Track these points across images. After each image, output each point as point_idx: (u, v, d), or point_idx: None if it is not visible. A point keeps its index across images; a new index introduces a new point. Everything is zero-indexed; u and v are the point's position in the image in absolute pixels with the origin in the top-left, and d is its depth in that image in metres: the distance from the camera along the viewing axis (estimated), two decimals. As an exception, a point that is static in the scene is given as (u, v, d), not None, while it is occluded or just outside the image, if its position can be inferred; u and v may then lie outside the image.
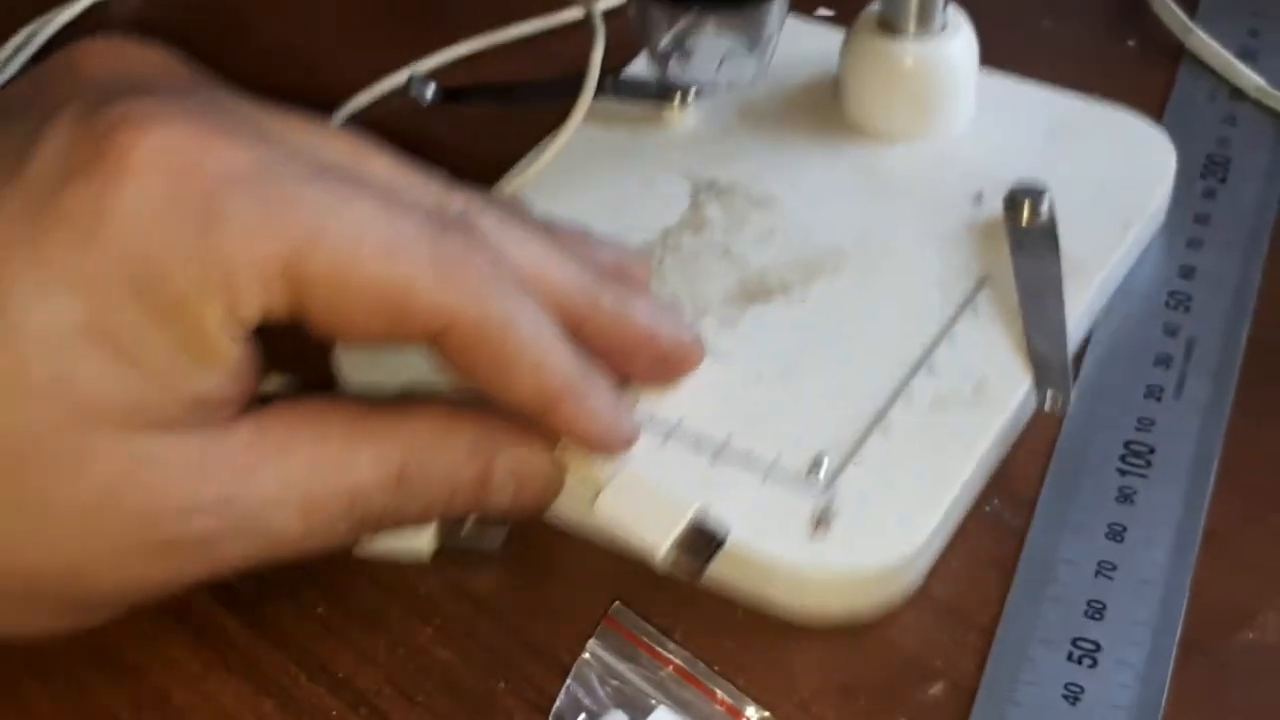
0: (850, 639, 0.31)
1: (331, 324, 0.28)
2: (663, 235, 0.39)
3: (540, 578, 0.33)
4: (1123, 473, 0.34)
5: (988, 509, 0.34)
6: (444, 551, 0.33)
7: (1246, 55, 0.45)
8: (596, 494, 0.32)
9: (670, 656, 0.30)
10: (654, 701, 0.29)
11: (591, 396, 0.31)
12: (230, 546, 0.29)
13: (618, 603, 0.31)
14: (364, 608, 0.32)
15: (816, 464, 0.33)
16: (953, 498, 0.32)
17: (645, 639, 0.31)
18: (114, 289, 0.26)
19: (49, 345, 0.26)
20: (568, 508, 0.33)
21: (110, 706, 0.31)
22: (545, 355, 0.30)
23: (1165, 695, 0.29)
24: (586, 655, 0.30)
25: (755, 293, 0.37)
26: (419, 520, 0.31)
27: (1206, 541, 0.32)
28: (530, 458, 0.32)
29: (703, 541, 0.31)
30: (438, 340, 0.29)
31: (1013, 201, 0.38)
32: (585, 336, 0.31)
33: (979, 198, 0.39)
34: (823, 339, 0.36)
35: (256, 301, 0.27)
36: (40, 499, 0.27)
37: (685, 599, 0.32)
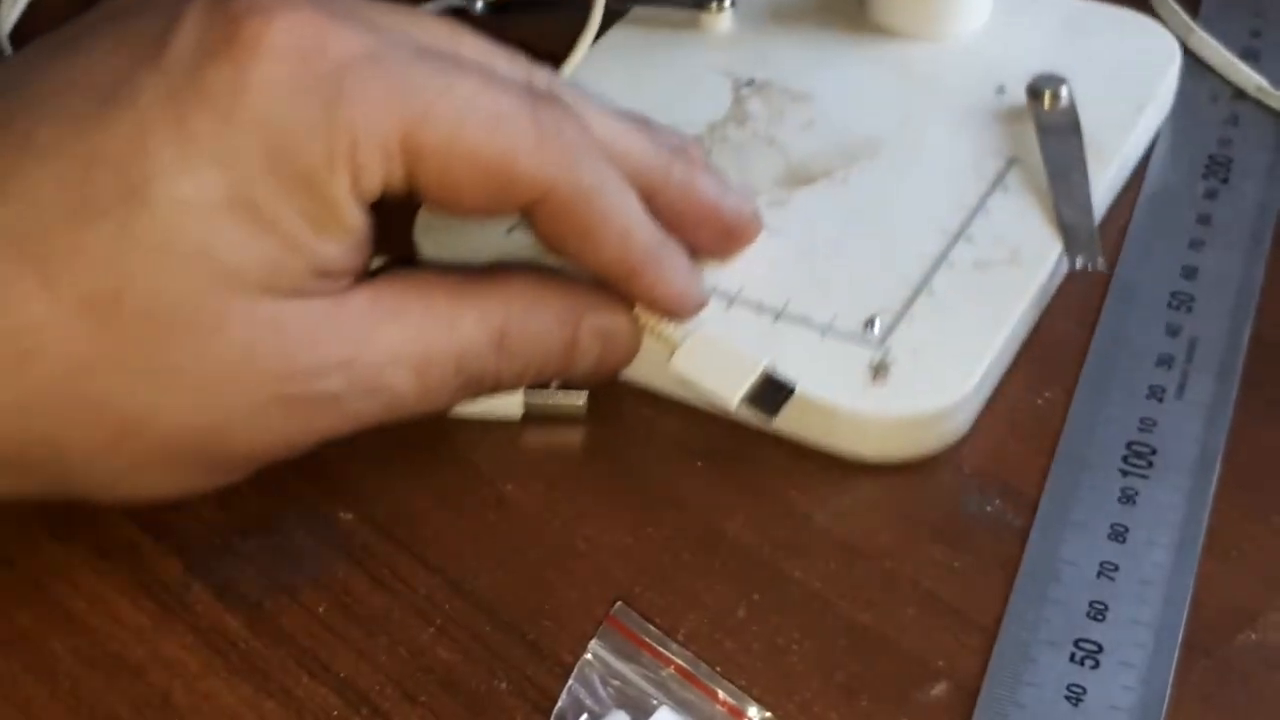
0: (851, 639, 0.31)
1: (442, 195, 0.31)
2: (709, 129, 0.42)
3: (542, 578, 0.33)
4: (1125, 473, 0.34)
5: (989, 509, 0.34)
6: (531, 415, 0.36)
7: (1248, 55, 0.45)
8: (671, 354, 0.34)
9: (672, 657, 0.30)
10: (656, 702, 0.29)
11: (668, 263, 0.34)
12: (355, 405, 0.31)
13: (620, 603, 0.31)
14: (365, 607, 0.32)
15: (870, 323, 0.35)
16: (1000, 345, 0.35)
17: (647, 639, 0.31)
18: (252, 162, 0.28)
19: (193, 216, 0.28)
20: (641, 369, 0.36)
21: (110, 706, 0.31)
22: (629, 222, 0.32)
23: (1167, 696, 0.29)
24: (588, 655, 0.30)
25: (801, 177, 0.40)
26: (516, 384, 0.34)
27: (1209, 542, 0.32)
28: (613, 320, 0.34)
29: (773, 391, 0.34)
30: (533, 209, 0.31)
31: (1035, 91, 0.40)
32: (655, 209, 0.34)
33: (1001, 89, 0.42)
34: (867, 216, 0.39)
35: (377, 173, 0.30)
36: (180, 363, 0.29)
37: (687, 599, 0.32)
